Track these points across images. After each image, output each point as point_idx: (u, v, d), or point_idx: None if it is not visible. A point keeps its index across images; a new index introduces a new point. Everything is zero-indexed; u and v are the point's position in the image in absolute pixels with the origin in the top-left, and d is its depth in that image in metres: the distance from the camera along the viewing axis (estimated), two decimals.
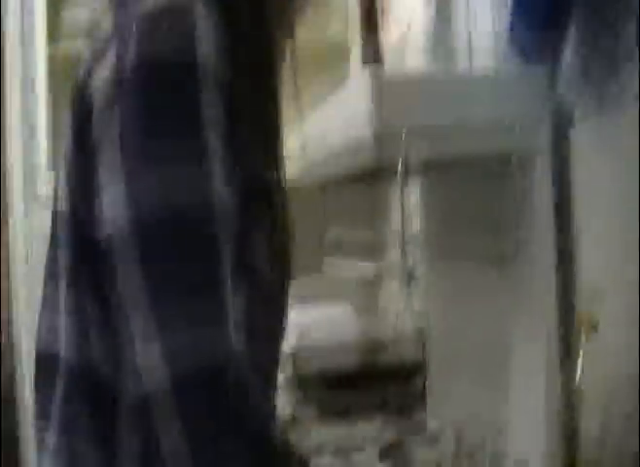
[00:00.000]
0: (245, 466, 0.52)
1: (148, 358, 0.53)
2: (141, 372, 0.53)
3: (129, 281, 0.54)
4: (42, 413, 0.66)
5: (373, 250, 1.99)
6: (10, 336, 2.29)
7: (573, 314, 0.99)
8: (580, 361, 0.96)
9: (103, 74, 0.59)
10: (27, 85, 2.45)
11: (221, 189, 0.56)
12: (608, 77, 0.92)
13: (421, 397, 1.58)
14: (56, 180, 0.68)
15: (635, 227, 0.84)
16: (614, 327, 0.94)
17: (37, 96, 2.48)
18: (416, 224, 1.49)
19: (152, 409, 0.52)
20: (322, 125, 1.21)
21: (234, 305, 0.56)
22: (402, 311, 1.68)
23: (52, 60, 2.49)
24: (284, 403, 1.61)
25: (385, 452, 1.33)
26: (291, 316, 0.74)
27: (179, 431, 0.51)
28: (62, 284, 0.64)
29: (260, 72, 0.64)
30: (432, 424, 1.41)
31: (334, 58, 2.39)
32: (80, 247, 0.62)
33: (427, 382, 1.52)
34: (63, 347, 0.64)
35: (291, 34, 0.69)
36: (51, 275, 0.67)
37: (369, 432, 1.45)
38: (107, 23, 0.63)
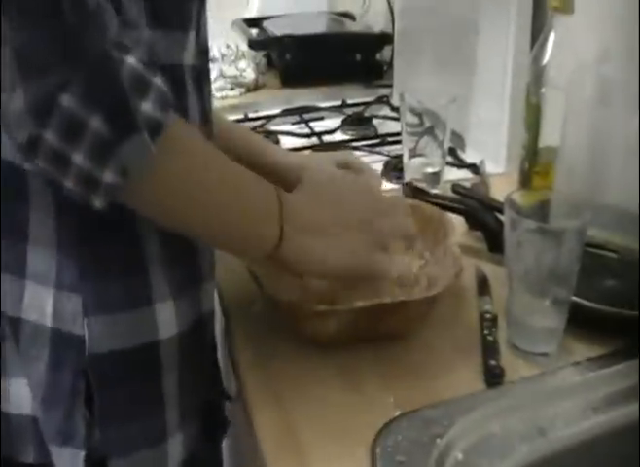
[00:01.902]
0: (78, 90, 0.48)
1: None
2: None
3: None
4: None
5: None
6: None
7: None
8: (550, 42, 0.94)
9: None
10: None
11: None
12: None
13: (388, 68, 1.58)
14: None
15: None
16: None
17: None
18: None
19: None
20: None
21: None
22: None
23: None
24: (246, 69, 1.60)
25: (349, 121, 1.36)
26: None
27: (6, 53, 0.47)
28: None
29: None
30: (395, 99, 1.43)
31: None
32: None
33: (394, 54, 1.50)
34: None
35: None
36: None
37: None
38: None
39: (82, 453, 0.61)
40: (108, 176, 0.51)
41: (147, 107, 0.51)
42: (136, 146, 0.51)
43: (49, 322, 0.61)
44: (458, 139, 1.20)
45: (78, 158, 0.50)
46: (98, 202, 0.52)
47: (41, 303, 0.61)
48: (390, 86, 1.52)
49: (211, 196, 0.61)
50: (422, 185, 0.98)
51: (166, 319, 0.63)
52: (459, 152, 1.19)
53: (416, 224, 0.83)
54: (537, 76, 0.96)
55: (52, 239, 0.60)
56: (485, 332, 0.72)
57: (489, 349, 0.70)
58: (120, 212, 0.59)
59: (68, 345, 0.61)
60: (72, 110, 0.48)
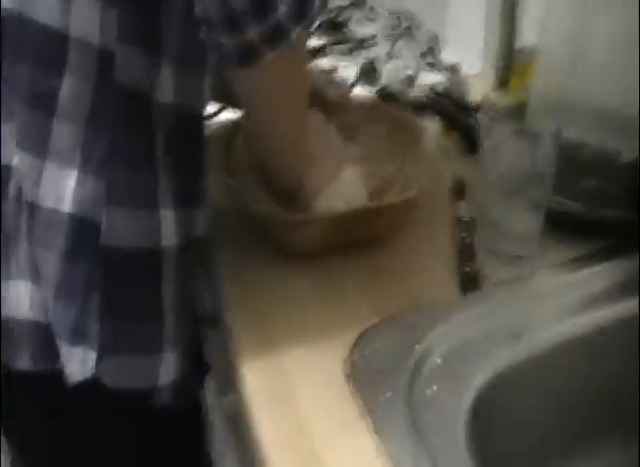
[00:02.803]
0: None
1: None
2: None
3: None
4: None
5: None
6: None
7: None
8: None
9: None
10: None
11: None
12: None
13: None
14: None
15: None
16: None
17: None
18: None
19: None
20: None
21: None
22: None
23: None
24: None
25: (323, 26, 1.32)
26: None
27: None
28: None
29: None
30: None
31: None
32: None
33: None
34: None
35: None
36: None
37: None
38: None
39: (93, 354, 0.60)
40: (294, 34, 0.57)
41: None
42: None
43: (67, 207, 0.59)
44: (434, 39, 1.17)
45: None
46: (271, 55, 0.58)
47: (60, 186, 0.59)
48: None
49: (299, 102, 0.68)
50: (398, 88, 0.96)
51: (168, 228, 0.63)
52: (436, 52, 1.15)
53: (388, 129, 0.81)
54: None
55: (82, 115, 0.58)
56: (463, 235, 0.72)
57: (465, 254, 0.70)
58: (145, 105, 0.60)
59: (85, 233, 0.59)
60: None
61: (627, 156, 0.80)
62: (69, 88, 0.57)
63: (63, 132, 0.58)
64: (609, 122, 0.82)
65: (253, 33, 0.56)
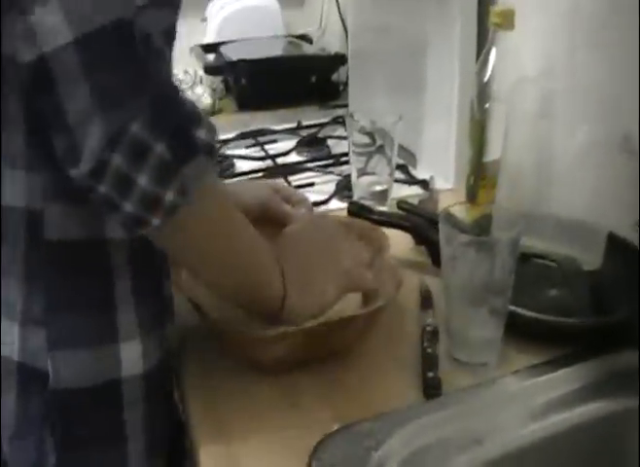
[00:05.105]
0: (147, 119, 0.52)
1: (45, 22, 0.49)
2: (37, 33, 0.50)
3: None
4: None
5: None
6: None
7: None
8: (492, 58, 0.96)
9: None
10: None
11: None
12: None
13: (344, 88, 1.60)
14: None
15: None
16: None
17: None
18: None
19: (51, 70, 0.50)
20: None
21: None
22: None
23: None
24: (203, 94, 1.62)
25: (303, 142, 1.37)
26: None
27: (84, 89, 0.50)
28: None
29: None
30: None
31: None
32: None
33: (349, 75, 1.52)
34: None
35: None
36: None
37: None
38: None
39: None
40: (170, 195, 0.54)
41: (202, 133, 0.56)
42: (197, 167, 0.55)
43: (16, 356, 0.62)
44: (410, 156, 1.22)
45: (143, 179, 0.53)
46: (156, 222, 0.55)
47: (9, 336, 0.62)
48: (346, 106, 1.53)
49: (234, 241, 0.65)
50: (370, 203, 0.99)
51: (131, 358, 0.64)
52: (410, 169, 1.20)
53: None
54: (480, 92, 0.97)
55: (20, 272, 0.61)
56: (425, 345, 0.73)
57: (428, 362, 0.71)
58: (95, 247, 0.61)
59: (34, 378, 0.62)
60: (140, 136, 0.52)
61: (588, 265, 0.82)
62: (5, 250, 0.61)
63: (7, 289, 0.62)
64: (571, 232, 0.85)
65: (128, 206, 0.54)
